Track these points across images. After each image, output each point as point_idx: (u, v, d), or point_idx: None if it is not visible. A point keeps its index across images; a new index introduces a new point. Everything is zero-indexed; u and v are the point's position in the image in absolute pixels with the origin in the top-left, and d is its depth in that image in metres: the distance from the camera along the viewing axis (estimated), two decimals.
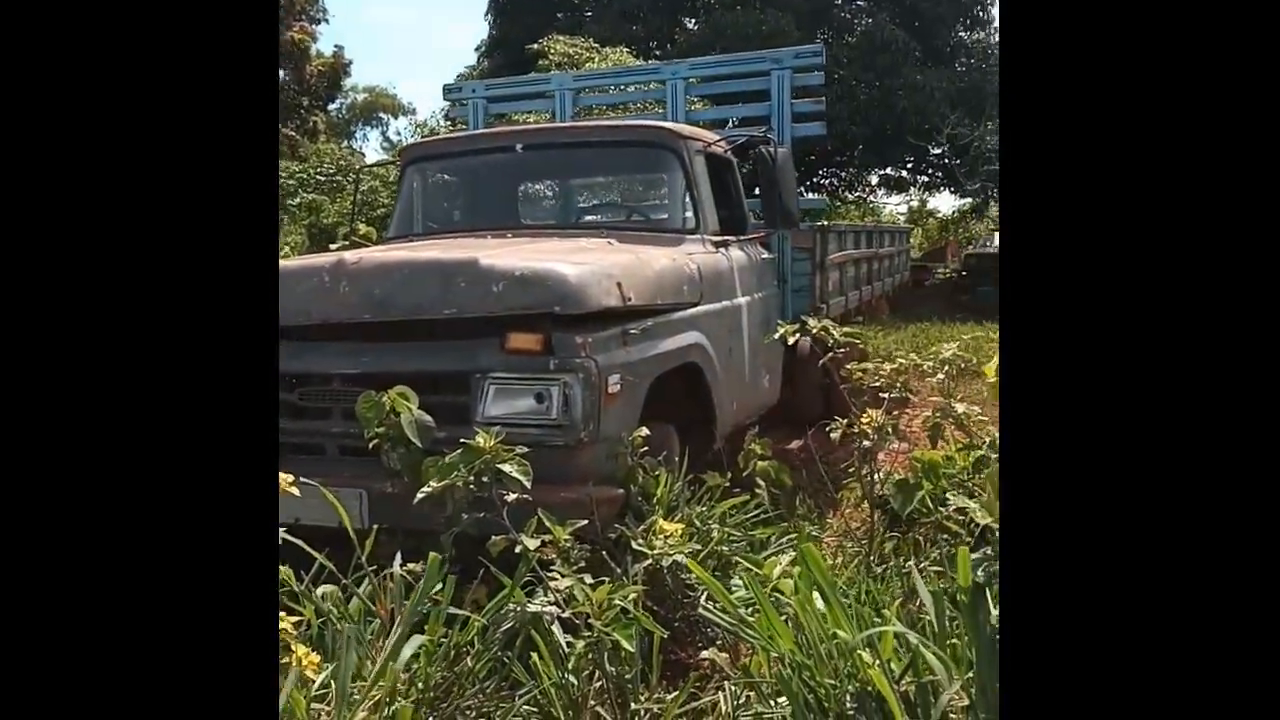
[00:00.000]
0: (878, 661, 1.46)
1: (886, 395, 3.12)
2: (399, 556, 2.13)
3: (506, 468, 1.93)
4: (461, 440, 2.15)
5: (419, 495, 1.95)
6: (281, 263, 3.40)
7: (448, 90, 5.62)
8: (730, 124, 5.65)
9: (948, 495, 2.08)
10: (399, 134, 40.90)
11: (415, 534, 2.59)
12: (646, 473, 2.90)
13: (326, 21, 27.66)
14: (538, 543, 1.86)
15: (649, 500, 2.89)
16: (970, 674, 1.41)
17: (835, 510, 4.66)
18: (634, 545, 2.43)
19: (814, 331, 3.40)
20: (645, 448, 2.90)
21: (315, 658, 1.77)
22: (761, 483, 3.53)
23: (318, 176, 19.52)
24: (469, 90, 5.61)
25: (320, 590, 2.23)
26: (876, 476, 3.19)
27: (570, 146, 4.29)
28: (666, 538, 2.43)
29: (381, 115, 44.12)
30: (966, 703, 1.39)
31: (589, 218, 4.82)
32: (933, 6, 17.87)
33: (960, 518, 2.17)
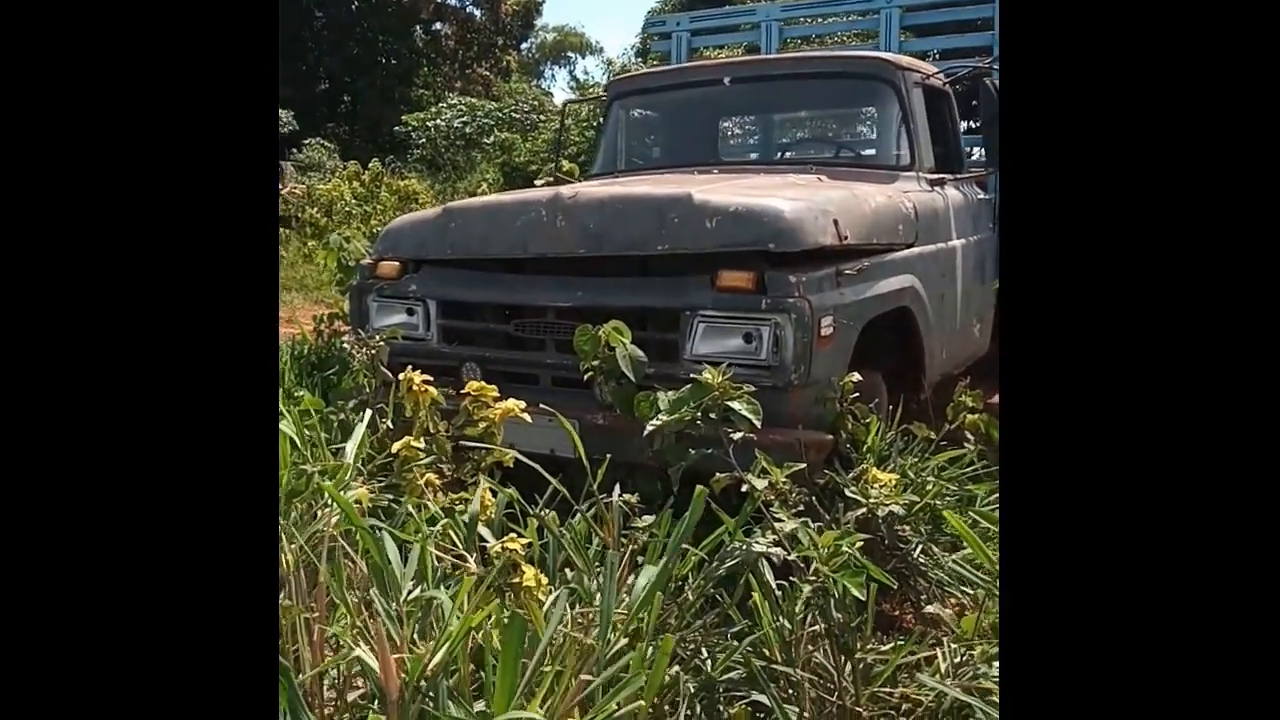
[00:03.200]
0: None
1: None
2: (618, 486, 2.17)
3: (736, 405, 1.90)
4: (691, 376, 2.15)
5: (647, 429, 1.96)
6: (498, 197, 3.50)
7: (649, 24, 5.56)
8: (932, 56, 5.29)
9: None
10: (586, 73, 41.33)
11: (624, 465, 2.63)
12: (856, 419, 2.81)
13: None
14: (764, 483, 1.83)
15: (858, 448, 2.80)
16: None
17: None
18: (847, 493, 2.37)
19: None
20: (856, 393, 2.81)
21: (543, 577, 1.84)
22: (970, 436, 3.37)
23: (512, 115, 20.09)
24: (672, 24, 5.53)
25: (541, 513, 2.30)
26: None
27: (782, 79, 4.15)
28: (881, 487, 2.35)
29: (569, 54, 44.67)
30: None
31: (789, 154, 4.68)
32: None
33: None
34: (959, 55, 4.94)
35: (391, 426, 2.76)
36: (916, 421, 3.15)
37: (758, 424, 1.92)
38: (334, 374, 4.03)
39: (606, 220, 2.92)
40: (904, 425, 3.11)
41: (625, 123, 4.59)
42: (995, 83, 3.90)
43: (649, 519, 2.18)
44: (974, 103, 4.20)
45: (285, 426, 1.63)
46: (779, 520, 1.77)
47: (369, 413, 1.85)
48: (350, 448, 1.67)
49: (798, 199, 2.86)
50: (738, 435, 1.92)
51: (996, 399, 4.50)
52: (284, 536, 1.42)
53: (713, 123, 4.82)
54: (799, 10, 5.68)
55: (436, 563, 1.55)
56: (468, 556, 1.59)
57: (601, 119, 13.07)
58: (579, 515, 2.27)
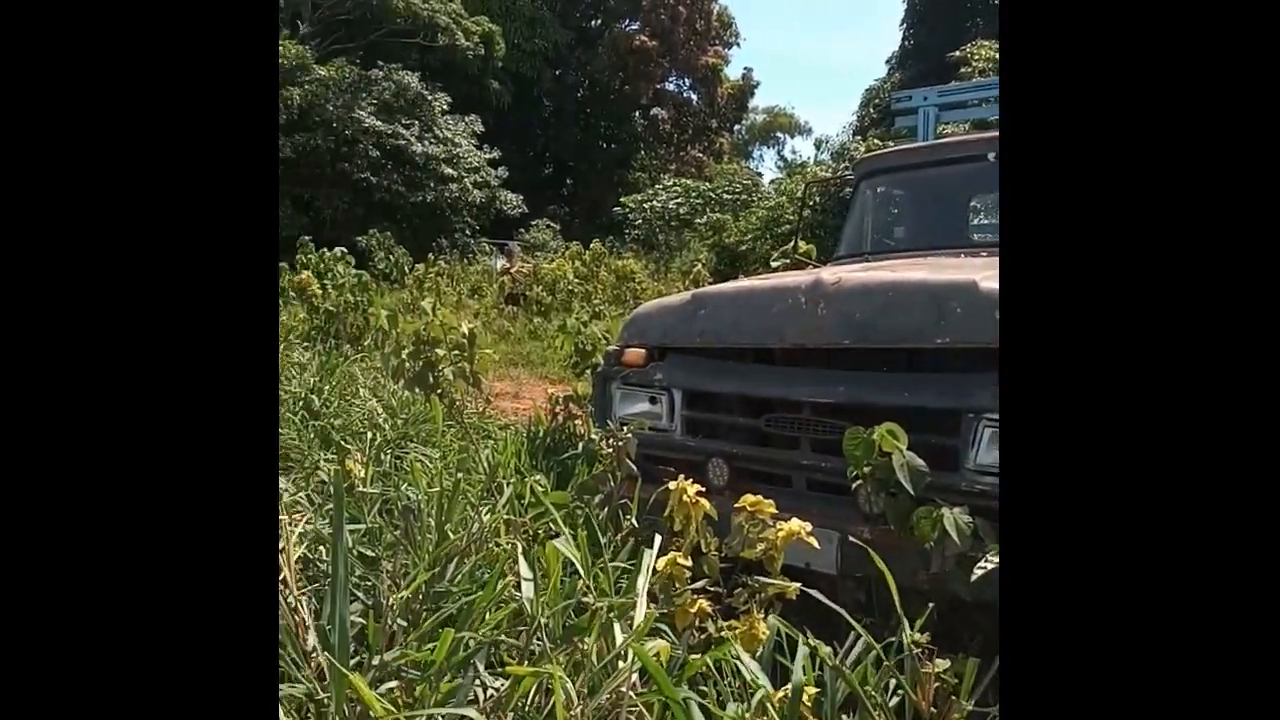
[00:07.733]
0: None
1: None
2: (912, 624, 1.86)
3: None
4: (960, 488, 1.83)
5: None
6: (752, 282, 3.32)
7: (896, 100, 5.31)
8: None
9: None
10: (794, 152, 41.56)
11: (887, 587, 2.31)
12: None
13: (739, 46, 28.82)
14: None
15: None
16: None
17: None
18: None
19: None
20: None
21: None
22: None
23: (723, 195, 20.31)
24: (919, 99, 5.25)
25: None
26: None
27: None
28: None
29: (779, 135, 45.16)
30: None
31: None
32: None
33: None
34: None
35: (635, 524, 2.59)
36: None
37: None
38: (569, 459, 3.95)
39: (875, 309, 2.65)
40: None
41: (873, 202, 4.33)
42: None
43: (943, 663, 1.86)
44: None
45: (562, 545, 1.46)
46: None
47: (658, 539, 1.65)
48: (641, 583, 1.47)
49: None
50: None
51: None
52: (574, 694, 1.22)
53: (966, 202, 4.47)
54: None
55: None
56: None
57: (815, 199, 12.65)
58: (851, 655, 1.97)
